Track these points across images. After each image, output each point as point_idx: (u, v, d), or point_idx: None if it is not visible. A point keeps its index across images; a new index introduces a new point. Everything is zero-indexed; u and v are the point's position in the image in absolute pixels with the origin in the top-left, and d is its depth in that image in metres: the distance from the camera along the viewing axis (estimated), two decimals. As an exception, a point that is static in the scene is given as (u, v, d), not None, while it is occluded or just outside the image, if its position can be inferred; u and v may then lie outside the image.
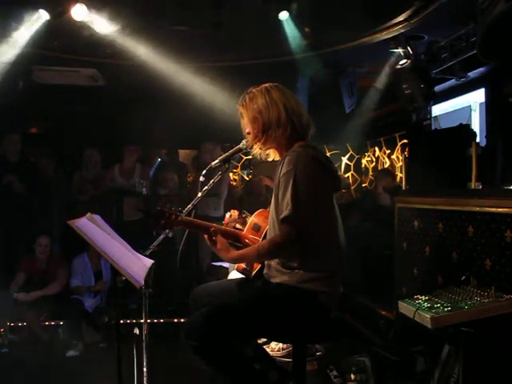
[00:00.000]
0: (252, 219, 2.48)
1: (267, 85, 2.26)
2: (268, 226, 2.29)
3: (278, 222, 2.12)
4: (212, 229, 2.26)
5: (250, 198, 5.65)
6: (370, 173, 7.15)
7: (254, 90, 2.25)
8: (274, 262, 2.20)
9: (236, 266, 2.44)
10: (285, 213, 2.02)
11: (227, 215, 2.65)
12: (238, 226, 2.56)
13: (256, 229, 2.41)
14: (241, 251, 2.22)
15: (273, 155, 2.33)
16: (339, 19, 4.60)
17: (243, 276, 2.41)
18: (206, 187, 2.33)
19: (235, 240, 2.39)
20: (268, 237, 2.25)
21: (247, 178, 7.60)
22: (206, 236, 2.28)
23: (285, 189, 2.05)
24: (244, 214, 2.69)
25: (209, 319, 2.00)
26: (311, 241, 2.07)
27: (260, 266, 2.31)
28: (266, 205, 2.63)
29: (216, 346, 1.98)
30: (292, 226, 2.02)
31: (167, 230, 2.25)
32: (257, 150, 2.29)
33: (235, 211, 2.67)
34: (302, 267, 2.10)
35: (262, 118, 2.18)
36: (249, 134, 2.27)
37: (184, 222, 2.26)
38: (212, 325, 1.98)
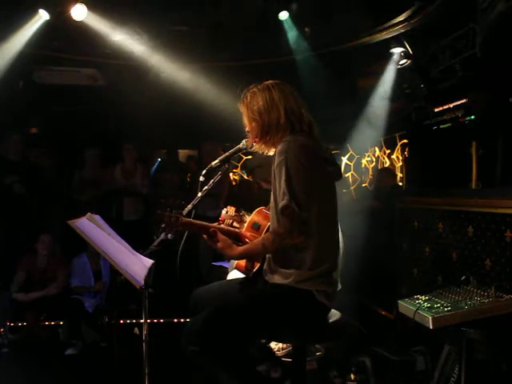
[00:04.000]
0: (251, 217, 2.47)
1: (269, 83, 2.23)
2: (270, 223, 2.28)
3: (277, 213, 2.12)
4: (211, 229, 2.25)
5: (245, 199, 5.65)
6: (370, 173, 7.14)
7: (255, 89, 2.22)
8: (271, 263, 2.19)
9: (235, 264, 2.43)
10: (282, 203, 2.02)
11: (223, 211, 2.65)
12: (235, 223, 2.55)
13: (256, 227, 2.41)
14: (245, 246, 2.20)
15: (272, 152, 2.33)
16: (339, 19, 4.60)
17: (243, 275, 2.41)
18: (205, 187, 2.32)
19: (235, 239, 2.39)
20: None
21: (247, 178, 7.61)
22: (205, 236, 2.27)
23: (279, 179, 2.05)
24: (241, 212, 2.68)
25: (208, 323, 2.00)
26: (308, 238, 2.06)
27: (259, 264, 2.31)
28: (257, 205, 2.61)
29: (216, 350, 1.97)
30: (292, 214, 2.01)
31: (166, 233, 2.24)
32: (257, 147, 2.28)
33: (232, 208, 2.66)
34: (299, 266, 2.09)
35: (262, 120, 2.17)
36: (249, 132, 2.27)
37: (184, 224, 2.24)
38: (211, 329, 1.98)
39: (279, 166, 2.04)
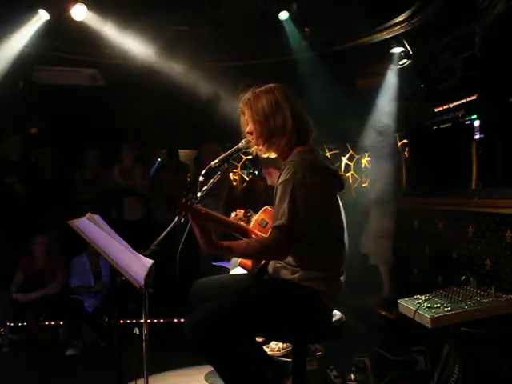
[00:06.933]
0: (259, 215, 2.50)
1: (271, 86, 2.20)
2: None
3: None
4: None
5: (249, 199, 5.64)
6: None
7: (257, 90, 2.19)
8: (278, 261, 2.19)
9: (239, 261, 2.43)
10: (279, 221, 2.00)
11: (232, 214, 2.66)
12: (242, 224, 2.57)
13: (263, 224, 2.43)
14: (228, 242, 2.10)
15: (267, 154, 2.31)
16: (339, 19, 4.61)
17: (245, 272, 2.42)
18: (205, 187, 2.32)
19: (242, 234, 2.38)
20: None
21: (247, 178, 7.59)
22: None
23: (281, 198, 2.03)
24: (249, 212, 2.69)
25: (210, 313, 2.00)
26: (313, 241, 2.06)
27: (264, 261, 2.31)
28: (266, 205, 2.63)
29: (217, 341, 1.96)
30: (284, 235, 2.00)
31: (178, 216, 2.18)
32: (258, 149, 2.26)
33: (241, 211, 2.67)
34: (304, 266, 2.09)
35: (267, 123, 2.12)
36: (249, 133, 2.23)
37: (196, 211, 2.13)
38: (213, 319, 1.98)
39: (284, 184, 2.02)
